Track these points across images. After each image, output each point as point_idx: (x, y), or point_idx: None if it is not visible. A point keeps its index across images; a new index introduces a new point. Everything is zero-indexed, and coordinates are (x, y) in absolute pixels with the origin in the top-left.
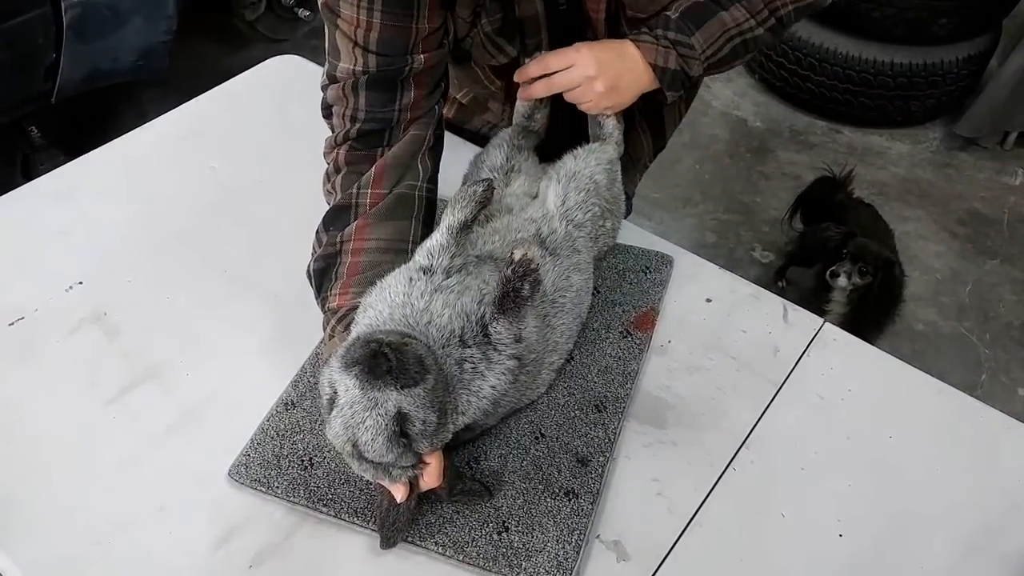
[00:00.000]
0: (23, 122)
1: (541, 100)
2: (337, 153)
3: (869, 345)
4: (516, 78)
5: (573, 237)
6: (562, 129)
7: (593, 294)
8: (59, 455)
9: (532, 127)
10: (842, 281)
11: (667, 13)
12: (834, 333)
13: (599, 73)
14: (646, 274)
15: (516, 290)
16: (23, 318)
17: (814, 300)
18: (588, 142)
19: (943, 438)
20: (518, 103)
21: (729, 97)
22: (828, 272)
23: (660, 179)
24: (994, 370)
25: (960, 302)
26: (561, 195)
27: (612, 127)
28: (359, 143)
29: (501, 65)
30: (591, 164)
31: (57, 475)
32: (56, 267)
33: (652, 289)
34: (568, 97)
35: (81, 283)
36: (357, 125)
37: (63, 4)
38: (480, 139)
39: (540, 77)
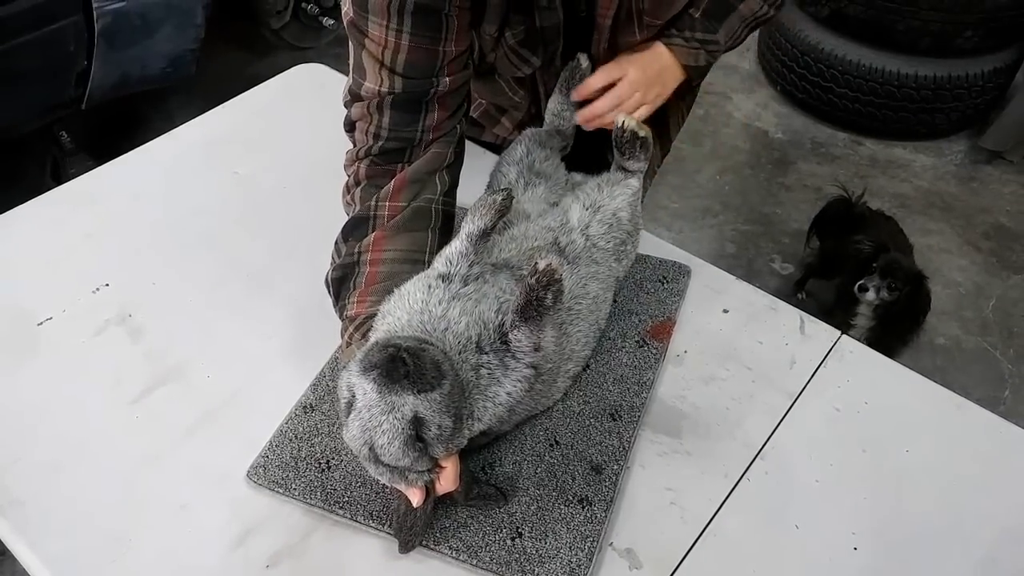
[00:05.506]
0: (54, 127)
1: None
2: (358, 166)
3: (886, 358)
4: (576, 96)
5: (593, 253)
6: (586, 135)
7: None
8: (83, 453)
9: (563, 127)
10: (870, 295)
11: (691, 11)
12: (851, 345)
13: (645, 99)
14: (663, 284)
15: (539, 299)
16: (51, 318)
17: (839, 313)
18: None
19: (962, 453)
20: (550, 101)
21: (751, 108)
22: (856, 286)
23: (680, 189)
24: (1017, 386)
25: (983, 317)
26: (585, 222)
27: (642, 164)
28: (380, 159)
29: (524, 76)
30: (616, 199)
31: (81, 473)
32: (83, 269)
33: (669, 299)
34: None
35: (107, 285)
36: (380, 142)
37: (95, 12)
38: (493, 150)
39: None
